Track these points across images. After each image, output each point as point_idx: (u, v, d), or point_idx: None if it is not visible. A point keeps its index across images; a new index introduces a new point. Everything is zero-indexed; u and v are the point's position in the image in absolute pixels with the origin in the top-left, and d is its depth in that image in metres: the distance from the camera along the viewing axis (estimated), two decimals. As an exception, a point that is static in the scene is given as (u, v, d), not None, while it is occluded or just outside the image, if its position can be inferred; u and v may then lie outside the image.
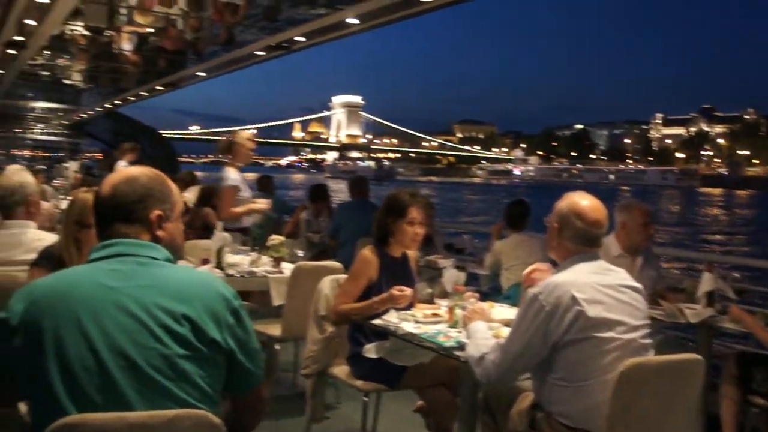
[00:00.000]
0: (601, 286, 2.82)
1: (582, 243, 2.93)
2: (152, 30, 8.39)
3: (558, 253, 3.02)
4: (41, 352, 1.81)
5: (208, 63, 9.55)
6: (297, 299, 4.97)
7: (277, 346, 5.22)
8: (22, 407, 2.93)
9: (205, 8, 6.92)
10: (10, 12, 6.17)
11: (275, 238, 5.67)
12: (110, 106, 15.85)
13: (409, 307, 3.91)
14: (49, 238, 3.90)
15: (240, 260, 5.65)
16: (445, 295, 4.00)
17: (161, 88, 11.89)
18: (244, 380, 2.04)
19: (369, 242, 4.23)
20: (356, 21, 6.47)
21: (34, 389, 1.87)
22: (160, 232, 2.06)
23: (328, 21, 6.59)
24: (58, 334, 1.81)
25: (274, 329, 5.16)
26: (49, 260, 3.47)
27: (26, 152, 25.11)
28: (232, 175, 6.20)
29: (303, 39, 7.36)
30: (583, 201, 2.98)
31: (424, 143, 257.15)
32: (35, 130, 23.15)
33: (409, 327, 3.68)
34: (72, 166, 15.56)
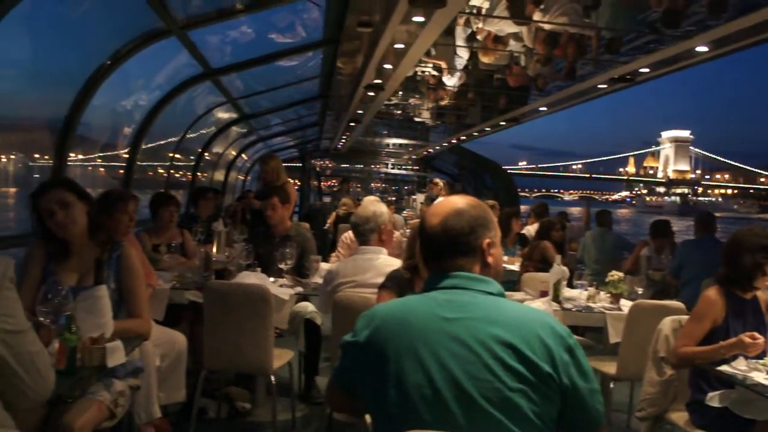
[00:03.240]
0: None
1: None
2: (495, 68, 8.62)
3: None
4: (383, 377, 1.93)
5: (549, 98, 9.59)
6: (635, 338, 4.81)
7: (611, 385, 5.08)
8: (368, 418, 3.18)
9: (551, 44, 6.97)
10: (371, 59, 6.75)
11: (614, 274, 5.54)
12: (455, 141, 16.52)
13: (761, 355, 3.60)
14: (397, 264, 4.20)
15: (577, 295, 5.61)
16: (803, 345, 3.60)
17: (504, 123, 12.13)
18: (582, 421, 1.97)
19: (714, 282, 3.97)
20: (706, 49, 6.11)
21: (374, 408, 2.01)
22: (489, 259, 2.09)
23: (674, 50, 6.29)
24: (398, 362, 1.91)
25: (610, 367, 5.04)
26: (395, 283, 3.73)
27: (379, 185, 27.11)
28: None
29: (647, 70, 7.11)
30: None
31: (761, 179, 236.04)
32: (388, 165, 24.96)
33: (759, 377, 3.40)
34: (419, 198, 16.56)
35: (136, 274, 3.58)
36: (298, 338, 5.56)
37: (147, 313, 3.61)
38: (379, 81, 7.94)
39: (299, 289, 5.33)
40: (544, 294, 5.34)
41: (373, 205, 4.68)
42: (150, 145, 8.78)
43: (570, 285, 5.97)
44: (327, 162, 24.99)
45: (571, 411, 1.94)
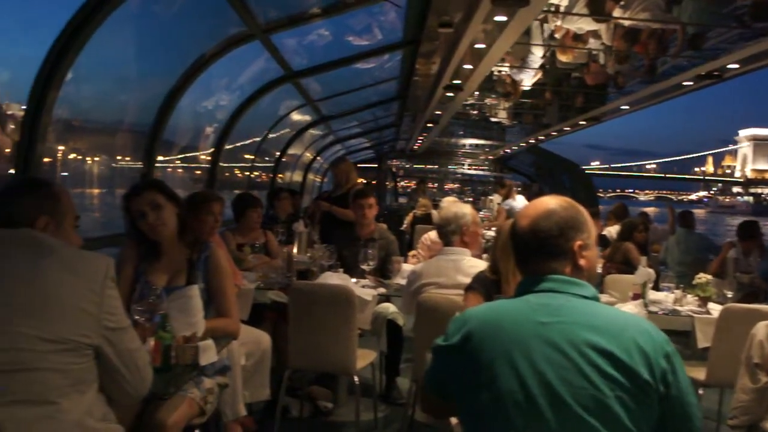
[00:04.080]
0: None
1: None
2: (573, 67, 8.50)
3: None
4: (476, 381, 1.92)
5: (632, 96, 9.38)
6: (725, 343, 4.67)
7: (700, 391, 4.95)
8: (453, 420, 3.17)
9: (631, 41, 6.82)
10: (452, 59, 6.72)
11: (702, 277, 5.39)
12: (533, 141, 16.33)
13: None
14: (482, 266, 4.17)
15: (664, 297, 5.48)
16: None
17: (584, 122, 11.93)
18: (677, 431, 1.92)
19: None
20: (798, 43, 5.89)
21: (466, 412, 1.99)
22: (581, 261, 2.04)
23: (766, 45, 6.11)
24: (491, 367, 1.89)
25: (699, 373, 4.90)
26: (481, 285, 3.71)
27: (455, 185, 27.07)
28: None
29: (736, 66, 6.89)
30: None
31: None
32: (464, 165, 24.91)
33: None
34: (495, 198, 16.41)
35: (224, 274, 3.64)
36: (380, 339, 5.59)
37: (236, 312, 3.67)
38: (458, 81, 7.92)
39: (382, 289, 5.35)
40: (636, 297, 5.22)
41: (455, 206, 4.66)
42: (230, 147, 8.93)
43: (656, 287, 5.83)
44: (403, 163, 25.02)
45: (667, 420, 1.89)
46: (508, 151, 20.69)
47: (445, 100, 9.62)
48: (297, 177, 16.20)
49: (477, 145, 21.07)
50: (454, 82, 7.94)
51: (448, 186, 27.35)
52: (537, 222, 2.05)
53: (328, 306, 4.56)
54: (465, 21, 5.57)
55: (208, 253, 3.61)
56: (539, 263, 2.04)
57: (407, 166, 25.30)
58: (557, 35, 7.37)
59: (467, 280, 3.89)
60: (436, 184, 26.29)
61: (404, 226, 12.77)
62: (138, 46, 5.82)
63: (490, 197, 17.56)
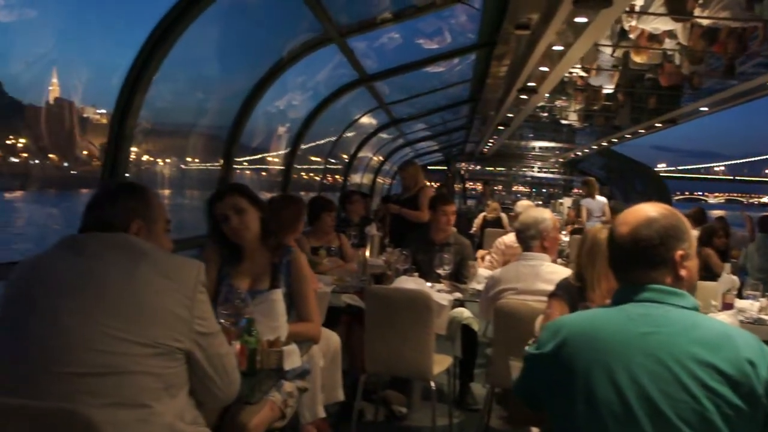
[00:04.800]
0: None
1: None
2: (647, 67, 8.28)
3: None
4: (571, 391, 1.87)
5: (711, 97, 9.08)
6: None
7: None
8: (534, 429, 3.11)
9: (709, 40, 6.62)
10: (527, 61, 6.63)
11: (785, 284, 5.20)
12: (606, 144, 16.00)
13: None
14: (561, 271, 4.09)
15: (748, 306, 5.29)
16: None
17: (659, 125, 11.62)
18: None
19: None
20: None
21: (558, 421, 1.94)
22: (682, 272, 1.97)
23: None
24: (587, 376, 1.84)
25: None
26: (566, 292, 3.63)
27: (523, 188, 26.81)
28: None
29: (826, 66, 6.64)
30: None
31: None
32: (534, 168, 24.71)
33: None
34: (566, 202, 16.19)
35: (306, 278, 3.65)
36: (454, 344, 5.54)
37: (317, 316, 3.68)
38: (532, 84, 7.80)
39: (458, 294, 5.31)
40: (727, 306, 5.05)
41: (535, 210, 4.60)
42: (303, 147, 8.97)
43: (739, 295, 5.64)
44: (471, 165, 24.88)
45: None
46: (579, 153, 20.37)
47: (519, 103, 9.51)
48: (365, 180, 16.27)
49: (547, 148, 20.83)
50: (529, 84, 7.84)
51: (515, 188, 27.12)
52: (638, 230, 1.99)
53: (405, 311, 4.54)
54: (543, 23, 5.48)
55: (290, 257, 3.63)
56: (638, 272, 1.98)
57: (474, 168, 25.15)
58: (632, 35, 7.20)
59: (546, 286, 3.82)
60: (502, 187, 26.09)
61: (473, 229, 12.65)
62: (214, 48, 5.89)
63: (560, 201, 17.33)
